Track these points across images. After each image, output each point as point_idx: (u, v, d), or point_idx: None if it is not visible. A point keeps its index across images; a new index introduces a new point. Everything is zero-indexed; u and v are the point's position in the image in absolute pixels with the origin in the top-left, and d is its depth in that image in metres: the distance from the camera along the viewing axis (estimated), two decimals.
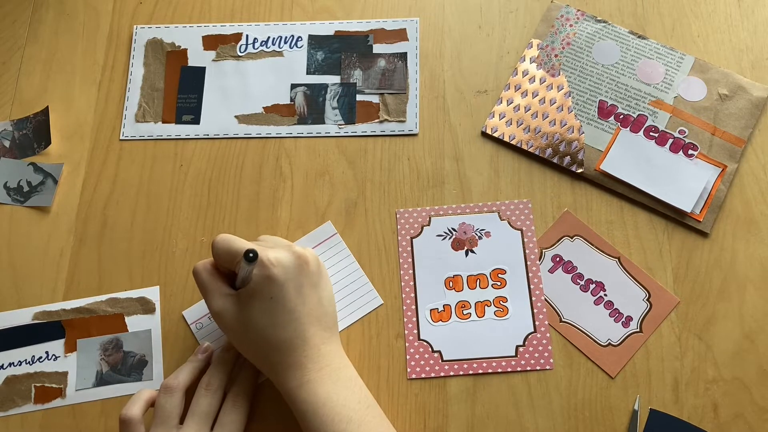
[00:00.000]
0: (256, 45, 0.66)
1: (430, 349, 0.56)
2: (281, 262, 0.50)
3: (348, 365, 0.51)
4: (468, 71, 0.64)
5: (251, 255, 0.47)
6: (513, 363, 0.55)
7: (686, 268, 0.57)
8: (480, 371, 0.55)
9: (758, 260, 0.57)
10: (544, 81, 0.63)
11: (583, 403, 0.54)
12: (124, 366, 0.56)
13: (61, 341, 0.57)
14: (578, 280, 0.57)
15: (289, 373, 0.49)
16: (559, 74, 0.63)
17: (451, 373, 0.55)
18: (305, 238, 0.59)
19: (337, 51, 0.65)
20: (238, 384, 0.53)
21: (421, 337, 0.56)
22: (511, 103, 0.62)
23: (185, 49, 0.66)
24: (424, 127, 0.62)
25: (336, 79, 0.64)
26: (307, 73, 0.65)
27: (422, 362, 0.56)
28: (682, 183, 0.59)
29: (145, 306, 0.58)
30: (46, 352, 0.57)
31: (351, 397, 0.49)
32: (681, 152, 0.60)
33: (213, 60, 0.65)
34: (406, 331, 0.57)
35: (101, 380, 0.56)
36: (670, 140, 0.60)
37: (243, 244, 0.51)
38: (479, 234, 0.59)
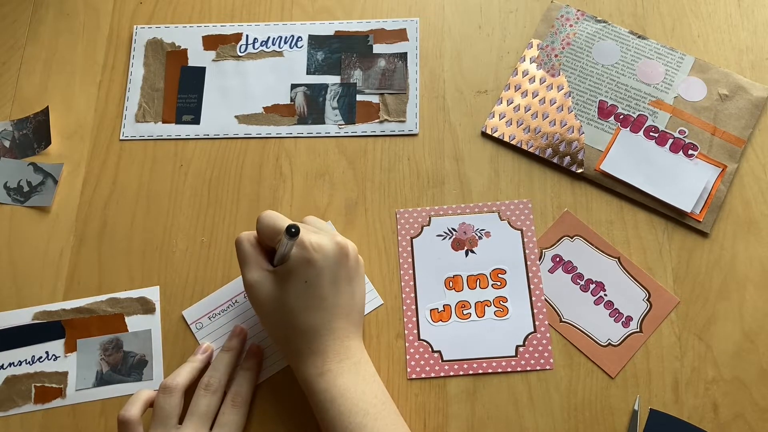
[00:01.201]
0: (256, 45, 0.66)
1: (430, 349, 0.56)
2: (322, 248, 0.50)
3: (368, 361, 0.52)
4: (468, 71, 0.64)
5: (293, 230, 0.46)
6: (513, 363, 0.55)
7: (686, 268, 0.57)
8: (480, 371, 0.55)
9: (758, 260, 0.57)
10: (544, 81, 0.63)
11: (583, 403, 0.54)
12: (124, 366, 0.56)
13: (61, 341, 0.57)
14: (578, 280, 0.57)
15: (310, 360, 0.49)
16: (559, 74, 0.63)
17: (451, 373, 0.55)
18: None
19: (337, 51, 0.65)
20: (238, 384, 0.53)
21: (421, 337, 0.56)
22: (511, 103, 0.62)
23: (185, 49, 0.66)
24: (424, 127, 0.62)
25: (336, 79, 0.64)
26: (307, 73, 0.65)
27: (422, 362, 0.56)
28: (682, 183, 0.59)
29: (145, 306, 0.58)
30: (46, 352, 0.57)
31: (369, 391, 0.49)
32: (681, 152, 0.60)
33: (213, 60, 0.65)
34: (406, 331, 0.57)
35: (101, 380, 0.56)
36: (670, 140, 0.60)
37: (284, 221, 0.51)
38: (479, 234, 0.59)
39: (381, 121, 0.63)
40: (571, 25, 0.65)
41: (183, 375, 0.52)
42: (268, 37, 0.66)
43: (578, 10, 0.65)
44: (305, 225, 0.53)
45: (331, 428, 0.48)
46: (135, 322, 0.57)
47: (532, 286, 0.57)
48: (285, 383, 0.55)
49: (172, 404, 0.50)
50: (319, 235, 0.51)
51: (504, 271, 0.58)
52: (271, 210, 0.52)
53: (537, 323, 0.56)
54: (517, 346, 0.56)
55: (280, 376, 0.56)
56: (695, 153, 0.60)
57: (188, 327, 0.57)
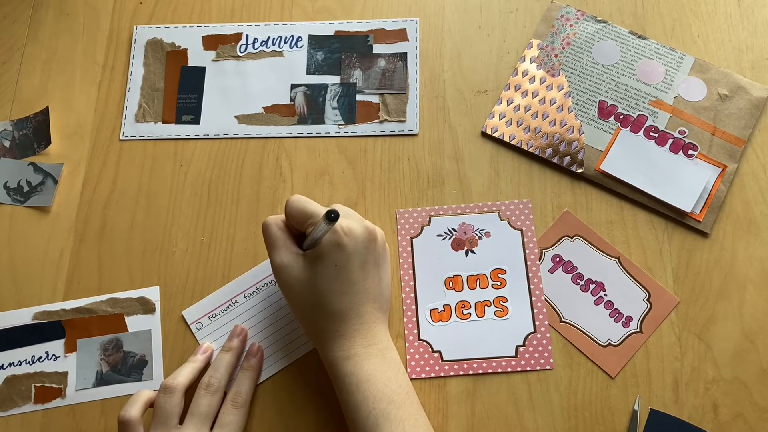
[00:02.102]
0: (256, 45, 0.66)
1: (430, 349, 0.56)
2: (353, 232, 0.50)
3: (394, 349, 0.52)
4: (468, 71, 0.64)
5: (332, 216, 0.46)
6: (513, 363, 0.55)
7: (686, 268, 0.57)
8: (480, 371, 0.55)
9: (758, 260, 0.57)
10: (544, 81, 0.63)
11: (583, 403, 0.54)
12: (124, 366, 0.56)
13: (61, 341, 0.57)
14: (578, 280, 0.57)
15: (337, 343, 0.50)
16: (559, 74, 0.63)
17: (451, 373, 0.55)
18: None
19: (337, 51, 0.65)
20: (238, 384, 0.53)
21: (421, 337, 0.56)
22: (511, 103, 0.62)
23: (185, 49, 0.66)
24: (424, 127, 0.62)
25: (336, 79, 0.64)
26: (307, 73, 0.65)
27: (422, 362, 0.56)
28: (682, 183, 0.59)
29: (145, 306, 0.58)
30: (46, 352, 0.57)
31: (394, 379, 0.49)
32: (681, 152, 0.60)
33: (213, 60, 0.65)
34: (406, 331, 0.57)
35: (101, 380, 0.56)
36: (670, 140, 0.60)
37: (317, 207, 0.52)
38: (479, 234, 0.59)
39: (381, 121, 0.63)
40: (571, 25, 0.65)
41: (183, 375, 0.52)
42: (268, 37, 0.66)
43: (578, 10, 0.65)
44: (337, 207, 0.53)
45: (354, 412, 0.48)
46: (135, 322, 0.57)
47: (532, 286, 0.57)
48: (285, 383, 0.55)
49: (173, 404, 0.50)
50: (349, 219, 0.51)
51: (504, 271, 0.58)
52: (299, 194, 0.53)
53: (537, 323, 0.56)
54: (517, 346, 0.56)
55: (281, 376, 0.56)
56: (695, 153, 0.60)
57: (188, 327, 0.57)
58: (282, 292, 0.53)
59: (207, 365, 0.54)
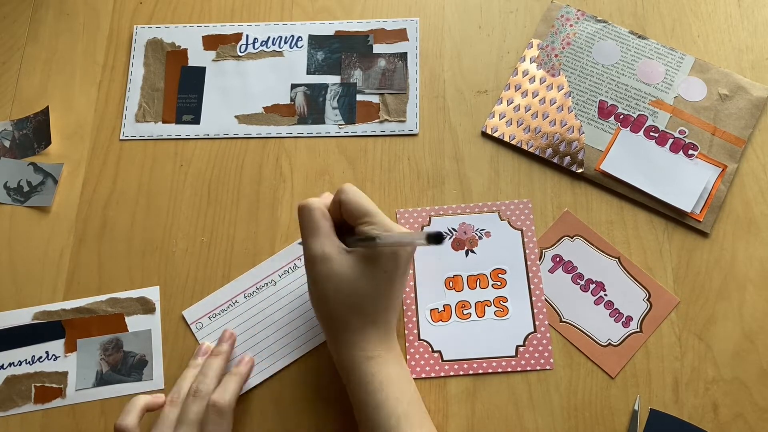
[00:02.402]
0: (256, 45, 0.66)
1: (430, 349, 0.56)
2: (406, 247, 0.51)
3: (404, 361, 0.53)
4: (468, 71, 0.64)
5: (438, 239, 0.42)
6: (513, 363, 0.55)
7: (686, 268, 0.57)
8: (480, 371, 0.55)
9: (758, 260, 0.57)
10: (544, 81, 0.63)
11: (583, 403, 0.54)
12: (124, 366, 0.56)
13: (61, 341, 0.57)
14: (578, 280, 0.57)
15: (360, 343, 0.50)
16: (559, 74, 0.63)
17: (451, 373, 0.55)
18: None
19: (337, 51, 0.65)
20: (223, 389, 0.51)
21: (421, 337, 0.56)
22: (511, 103, 0.62)
23: (185, 49, 0.66)
24: (424, 127, 0.62)
25: (336, 79, 0.64)
26: (307, 73, 0.65)
27: (422, 362, 0.56)
28: (682, 183, 0.59)
29: (145, 306, 0.58)
30: (46, 352, 0.57)
31: (408, 386, 0.50)
32: (681, 152, 0.60)
33: (213, 60, 0.65)
34: (406, 331, 0.56)
35: (101, 380, 0.56)
36: (670, 140, 0.60)
37: (373, 206, 0.50)
38: (479, 234, 0.59)
39: (381, 121, 0.63)
40: (571, 25, 0.65)
41: (186, 385, 0.52)
42: (268, 37, 0.66)
43: (578, 10, 0.65)
44: (378, 216, 0.51)
45: (375, 411, 0.48)
46: (135, 322, 0.57)
47: (532, 286, 0.57)
48: (285, 384, 0.55)
49: (177, 413, 0.51)
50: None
51: (504, 271, 0.58)
52: (351, 184, 0.51)
53: (537, 323, 0.56)
54: (517, 346, 0.56)
55: (280, 377, 0.56)
56: (695, 153, 0.60)
57: (188, 327, 0.57)
58: (311, 282, 0.51)
59: None
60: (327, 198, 0.53)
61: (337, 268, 0.49)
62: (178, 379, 0.53)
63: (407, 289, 0.58)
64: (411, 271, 0.58)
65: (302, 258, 0.57)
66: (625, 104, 0.61)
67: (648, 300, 0.56)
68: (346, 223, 0.51)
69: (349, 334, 0.50)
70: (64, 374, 0.56)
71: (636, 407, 0.53)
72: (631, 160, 0.60)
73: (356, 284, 0.49)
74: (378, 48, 0.65)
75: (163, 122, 0.64)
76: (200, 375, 0.52)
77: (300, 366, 0.56)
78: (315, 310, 0.52)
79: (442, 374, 0.55)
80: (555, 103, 0.62)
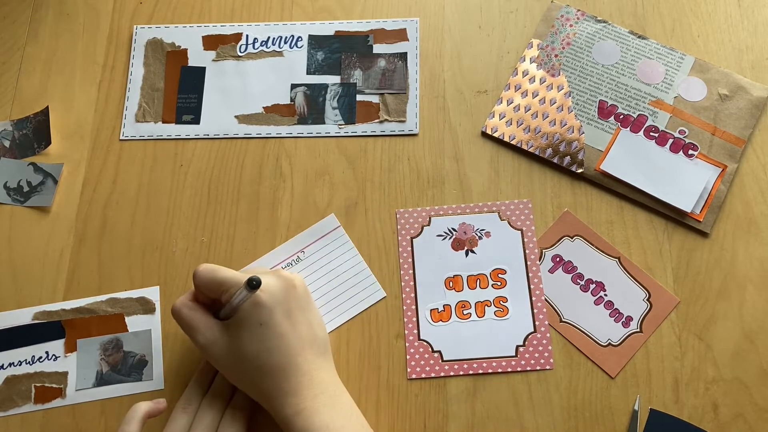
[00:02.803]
0: (256, 45, 0.66)
1: (430, 349, 0.56)
2: (268, 287, 0.49)
3: (344, 392, 0.51)
4: (468, 71, 0.64)
5: (254, 283, 0.46)
6: (513, 363, 0.55)
7: (686, 268, 0.57)
8: (480, 371, 0.55)
9: (758, 260, 0.57)
10: (544, 81, 0.63)
11: (583, 403, 0.54)
12: (124, 366, 0.56)
13: (61, 341, 0.57)
14: (578, 280, 0.57)
15: (283, 401, 0.48)
16: (559, 74, 0.63)
17: (451, 373, 0.55)
18: (308, 232, 0.59)
19: (337, 51, 0.65)
20: (238, 397, 0.52)
21: (421, 337, 0.56)
22: (511, 103, 0.62)
23: (185, 49, 0.66)
24: (424, 127, 0.62)
25: (336, 79, 0.64)
26: (307, 73, 0.65)
27: (422, 362, 0.56)
28: (682, 183, 0.59)
29: (145, 306, 0.58)
30: (46, 352, 0.57)
31: (347, 426, 0.48)
32: (681, 152, 0.60)
33: (213, 60, 0.65)
34: (406, 331, 0.57)
35: (101, 380, 0.56)
36: (670, 140, 0.60)
37: (229, 272, 0.50)
38: (479, 234, 0.59)
39: (381, 121, 0.63)
40: (571, 25, 0.65)
41: (200, 390, 0.52)
42: (268, 37, 0.66)
43: (578, 10, 0.65)
44: (248, 271, 0.52)
45: None
46: (135, 322, 0.57)
47: (532, 286, 0.57)
48: None
49: (189, 421, 0.51)
50: (261, 275, 0.50)
51: (504, 271, 0.58)
52: (206, 263, 0.51)
53: (537, 323, 0.56)
54: (517, 346, 0.56)
55: None
56: (695, 153, 0.60)
57: None
58: (217, 368, 0.51)
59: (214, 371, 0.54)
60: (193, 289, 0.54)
61: (224, 346, 0.49)
62: (189, 385, 0.53)
63: (407, 289, 0.58)
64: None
65: (305, 250, 0.58)
66: (625, 104, 0.61)
67: (648, 300, 0.56)
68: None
69: (269, 397, 0.49)
70: (64, 374, 0.56)
71: (636, 407, 0.53)
72: (631, 160, 0.60)
73: (244, 351, 0.49)
74: (378, 48, 0.65)
75: (163, 122, 0.64)
76: (215, 385, 0.53)
77: None
78: (239, 389, 0.52)
79: (442, 374, 0.55)
80: (555, 103, 0.62)
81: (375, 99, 0.64)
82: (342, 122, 0.63)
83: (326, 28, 0.66)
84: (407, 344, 0.56)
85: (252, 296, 0.48)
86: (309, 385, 0.49)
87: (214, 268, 0.51)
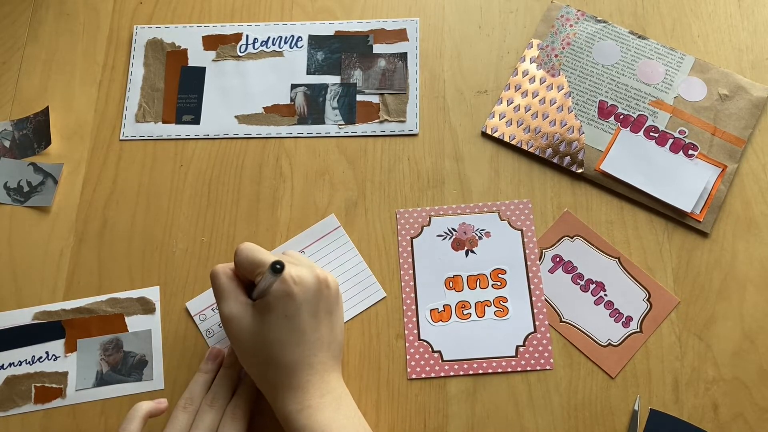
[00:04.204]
0: (256, 45, 0.66)
1: (430, 349, 0.56)
2: (303, 281, 0.49)
3: (348, 395, 0.51)
4: (468, 71, 0.64)
5: (278, 267, 0.46)
6: (513, 363, 0.55)
7: (686, 268, 0.57)
8: (480, 371, 0.55)
9: (758, 260, 0.57)
10: (544, 81, 0.63)
11: (583, 403, 0.54)
12: (125, 366, 0.56)
13: (61, 341, 0.57)
14: (578, 280, 0.57)
15: (289, 396, 0.48)
16: (559, 74, 0.63)
17: (451, 373, 0.55)
18: (308, 232, 0.59)
19: (337, 51, 0.65)
20: (238, 398, 0.53)
21: (421, 337, 0.56)
22: (511, 103, 0.62)
23: (185, 49, 0.66)
24: (424, 127, 0.63)
25: (336, 79, 0.64)
26: (307, 73, 0.65)
27: (422, 362, 0.56)
28: (682, 183, 0.59)
29: (145, 306, 0.58)
30: (46, 352, 0.57)
31: (350, 426, 0.48)
32: (681, 152, 0.60)
33: (213, 60, 0.65)
34: (406, 331, 0.57)
35: (101, 380, 0.56)
36: (670, 140, 0.60)
37: (267, 255, 0.50)
38: (479, 234, 0.59)
39: (381, 121, 0.63)
40: (571, 25, 0.65)
41: (198, 390, 0.52)
42: (268, 37, 0.66)
43: (578, 10, 0.65)
44: (286, 257, 0.52)
45: None
46: (135, 322, 0.57)
47: (532, 286, 0.57)
48: None
49: (189, 420, 0.51)
50: (300, 267, 0.50)
51: (504, 271, 0.58)
52: (248, 242, 0.51)
53: (537, 323, 0.56)
54: (517, 346, 0.56)
55: None
56: (695, 153, 0.60)
57: (188, 327, 0.57)
58: (231, 344, 0.52)
59: (218, 370, 0.55)
60: None
61: (244, 325, 0.49)
62: (190, 385, 0.53)
63: (407, 289, 0.58)
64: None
65: (305, 250, 0.59)
66: (625, 104, 0.61)
67: (648, 300, 0.56)
68: None
69: (275, 388, 0.49)
70: (64, 374, 0.56)
71: (636, 407, 0.53)
72: (631, 160, 0.60)
73: (263, 336, 0.49)
74: (378, 48, 0.65)
75: (163, 122, 0.64)
76: (215, 386, 0.53)
77: None
78: (246, 372, 0.52)
79: (442, 374, 0.55)
80: (555, 103, 0.62)
81: (375, 99, 0.64)
82: (342, 122, 0.63)
83: (326, 28, 0.66)
84: (407, 344, 0.56)
85: (284, 285, 0.48)
86: (317, 384, 0.49)
87: (254, 248, 0.51)
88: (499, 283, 0.57)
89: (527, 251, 0.58)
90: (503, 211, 0.60)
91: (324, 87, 0.64)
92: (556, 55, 0.64)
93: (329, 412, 0.48)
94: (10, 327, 0.58)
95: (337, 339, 0.52)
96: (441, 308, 0.57)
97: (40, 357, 0.57)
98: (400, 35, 0.65)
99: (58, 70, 0.66)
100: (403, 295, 0.57)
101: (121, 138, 0.63)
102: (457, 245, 0.59)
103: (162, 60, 0.66)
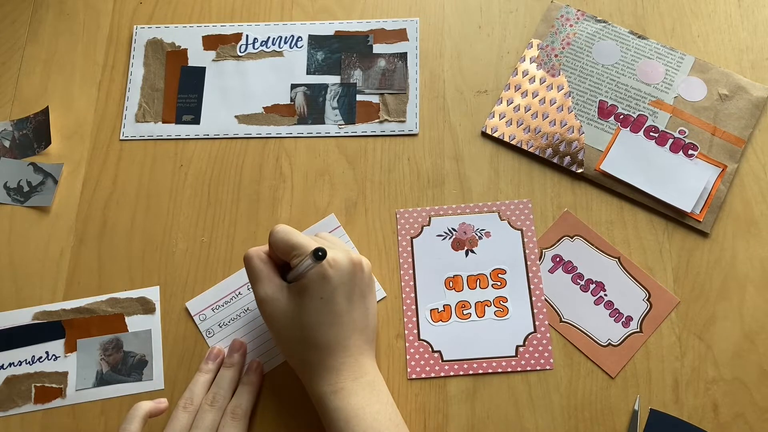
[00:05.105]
0: (256, 45, 0.66)
1: (430, 349, 0.56)
2: (338, 263, 0.50)
3: (382, 381, 0.51)
4: (468, 71, 0.64)
5: (320, 254, 0.46)
6: (513, 363, 0.55)
7: (686, 268, 0.57)
8: (480, 371, 0.55)
9: (758, 260, 0.57)
10: (544, 81, 0.63)
11: (583, 403, 0.54)
12: (124, 366, 0.56)
13: (61, 341, 0.57)
14: (578, 280, 0.57)
15: (324, 377, 0.49)
16: (559, 74, 0.63)
17: (451, 373, 0.55)
18: (308, 231, 0.59)
19: (337, 51, 0.65)
20: (238, 398, 0.53)
21: (421, 337, 0.56)
22: (511, 103, 0.62)
23: (185, 49, 0.66)
24: (424, 127, 0.63)
25: (336, 79, 0.64)
26: (307, 73, 0.65)
27: (422, 362, 0.56)
28: (682, 183, 0.59)
29: (145, 306, 0.58)
30: (46, 352, 0.57)
31: (383, 412, 0.49)
32: (681, 152, 0.60)
33: (213, 60, 0.65)
34: (406, 331, 0.56)
35: (101, 380, 0.56)
36: (670, 140, 0.60)
37: (303, 238, 0.51)
38: (479, 234, 0.59)
39: (381, 121, 0.63)
40: (571, 25, 0.65)
41: (199, 390, 0.53)
42: (268, 37, 0.66)
43: (578, 10, 0.65)
44: (320, 240, 0.53)
45: None
46: (135, 322, 0.57)
47: (532, 286, 0.57)
48: (286, 378, 0.55)
49: (189, 420, 0.51)
50: (335, 250, 0.50)
51: (504, 271, 0.58)
52: (284, 224, 0.52)
53: (537, 323, 0.56)
54: (517, 346, 0.56)
55: (282, 371, 0.56)
56: (695, 153, 0.60)
57: (189, 324, 0.57)
58: (267, 325, 0.52)
59: (218, 370, 0.55)
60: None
61: (280, 307, 0.50)
62: (190, 385, 0.53)
63: (407, 289, 0.58)
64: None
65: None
66: (625, 104, 0.61)
67: (648, 300, 0.56)
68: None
69: (310, 370, 0.50)
70: (64, 374, 0.56)
71: (636, 407, 0.53)
72: (631, 160, 0.60)
73: (299, 318, 0.49)
74: (378, 48, 0.65)
75: (163, 122, 0.64)
76: (215, 386, 0.53)
77: None
78: (279, 352, 0.53)
79: (442, 374, 0.55)
80: (555, 103, 0.62)
81: (375, 99, 0.64)
82: (342, 122, 0.63)
83: (326, 28, 0.66)
84: (407, 344, 0.56)
85: (319, 267, 0.49)
86: (352, 366, 0.50)
87: (290, 230, 0.51)
88: (499, 283, 0.57)
89: (527, 251, 0.58)
90: (503, 211, 0.60)
91: (324, 87, 0.64)
92: (556, 55, 0.64)
93: (363, 396, 0.49)
94: (10, 327, 0.58)
95: (371, 323, 0.52)
96: (441, 308, 0.57)
97: (40, 357, 0.57)
98: (400, 35, 0.65)
99: (58, 70, 0.66)
100: (403, 295, 0.57)
101: (121, 138, 0.63)
102: (457, 245, 0.59)
103: (162, 60, 0.66)
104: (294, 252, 0.50)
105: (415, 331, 0.56)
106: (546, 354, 0.55)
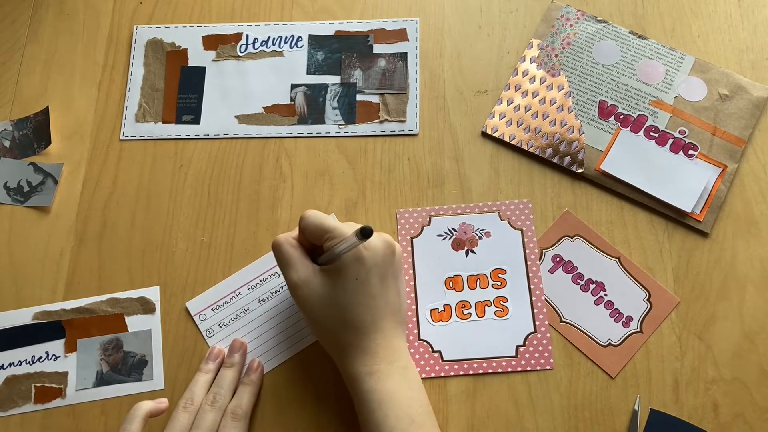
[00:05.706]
0: (257, 45, 0.66)
1: (430, 349, 0.56)
2: (372, 245, 0.50)
3: (413, 366, 0.52)
4: (468, 71, 0.64)
5: (366, 232, 0.46)
6: (513, 363, 0.55)
7: (686, 268, 0.57)
8: (480, 371, 0.55)
9: (758, 260, 0.57)
10: (545, 81, 0.63)
11: (583, 403, 0.54)
12: (124, 366, 0.56)
13: (61, 341, 0.57)
14: (578, 280, 0.57)
15: (359, 358, 0.49)
16: (560, 74, 0.63)
17: (451, 373, 0.55)
18: None
19: (338, 51, 0.65)
20: (239, 398, 0.53)
21: (421, 337, 0.56)
22: (512, 103, 0.62)
23: (185, 49, 0.66)
24: (424, 127, 0.62)
25: (336, 79, 0.64)
26: (308, 73, 0.65)
27: (422, 362, 0.56)
28: (683, 183, 0.59)
29: (145, 306, 0.58)
30: (46, 352, 0.57)
31: (416, 398, 0.49)
32: (681, 152, 0.60)
33: (213, 60, 0.65)
34: (406, 331, 0.56)
35: (101, 380, 0.56)
36: (671, 140, 0.60)
37: (333, 222, 0.51)
38: (479, 234, 0.59)
39: (381, 121, 0.63)
40: (571, 25, 0.65)
41: (200, 390, 0.53)
42: (268, 37, 0.66)
43: (578, 10, 0.65)
44: (352, 224, 0.53)
45: (375, 430, 0.48)
46: (135, 322, 0.57)
47: (532, 286, 0.57)
48: (287, 377, 0.55)
49: (190, 420, 0.51)
50: None
51: (504, 271, 0.58)
52: (313, 209, 0.52)
53: (537, 323, 0.56)
54: (517, 346, 0.56)
55: (283, 370, 0.56)
56: (695, 153, 0.60)
57: (189, 324, 0.57)
58: (300, 309, 0.52)
59: (218, 370, 0.55)
60: (297, 230, 0.54)
61: (315, 289, 0.50)
62: (190, 385, 0.53)
63: (407, 289, 0.58)
64: (410, 270, 0.58)
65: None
66: (625, 104, 0.61)
67: (648, 300, 0.56)
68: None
69: (345, 351, 0.50)
70: (64, 374, 0.56)
71: (636, 407, 0.53)
72: (631, 160, 0.60)
73: (335, 300, 0.50)
74: (378, 48, 0.65)
75: (163, 122, 0.64)
76: (215, 386, 0.53)
77: (303, 358, 0.56)
78: (314, 335, 0.54)
79: (442, 374, 0.55)
80: (555, 103, 0.62)
81: (375, 99, 0.64)
82: (342, 122, 0.63)
83: (326, 28, 0.66)
84: (407, 344, 0.56)
85: (354, 249, 0.49)
86: (387, 349, 0.50)
87: (320, 214, 0.52)
88: (499, 283, 0.57)
89: (527, 251, 0.58)
90: (503, 211, 0.60)
91: (324, 87, 0.64)
92: (556, 55, 0.64)
93: (396, 380, 0.49)
94: (10, 327, 0.58)
95: (403, 306, 0.53)
96: (441, 308, 0.57)
97: (40, 357, 0.57)
98: (400, 35, 0.65)
99: (58, 70, 0.66)
100: (403, 299, 0.57)
101: (121, 138, 0.63)
102: (457, 245, 0.59)
103: (162, 60, 0.66)
104: (327, 234, 0.50)
105: (415, 331, 0.56)
106: (546, 354, 0.55)
